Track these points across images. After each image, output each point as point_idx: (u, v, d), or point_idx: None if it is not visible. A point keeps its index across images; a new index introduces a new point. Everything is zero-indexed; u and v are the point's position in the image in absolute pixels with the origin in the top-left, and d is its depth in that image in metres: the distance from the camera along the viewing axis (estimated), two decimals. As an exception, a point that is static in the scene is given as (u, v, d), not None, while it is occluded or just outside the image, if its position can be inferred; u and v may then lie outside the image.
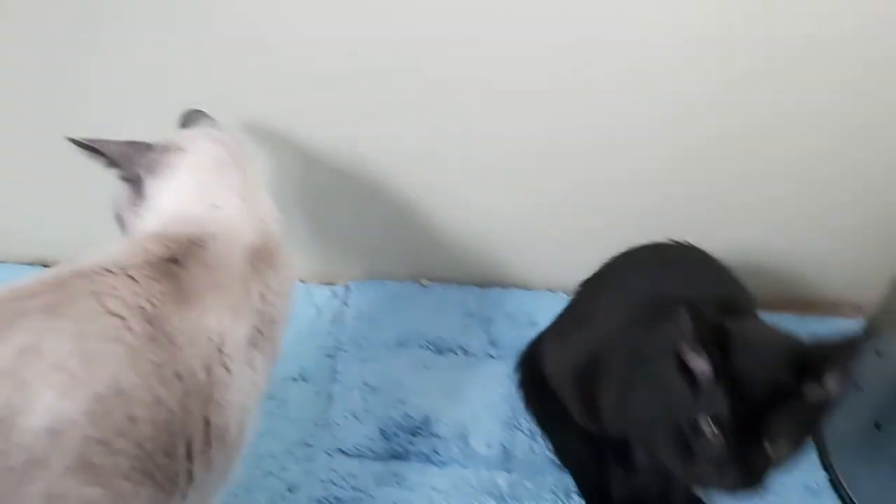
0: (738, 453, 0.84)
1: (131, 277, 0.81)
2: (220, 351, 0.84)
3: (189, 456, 0.81)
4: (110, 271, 0.81)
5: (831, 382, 0.84)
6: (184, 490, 0.82)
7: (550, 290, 1.51)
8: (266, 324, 0.91)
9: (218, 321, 0.85)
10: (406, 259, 1.52)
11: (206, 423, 0.83)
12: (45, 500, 0.70)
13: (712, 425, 0.84)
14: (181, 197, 0.95)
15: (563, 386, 1.22)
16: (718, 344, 0.85)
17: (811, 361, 0.84)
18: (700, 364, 0.86)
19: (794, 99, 1.26)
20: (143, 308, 0.80)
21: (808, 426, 0.86)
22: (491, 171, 1.38)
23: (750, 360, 0.85)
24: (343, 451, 1.24)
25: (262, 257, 0.93)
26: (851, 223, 1.42)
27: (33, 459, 0.69)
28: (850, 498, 1.20)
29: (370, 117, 1.30)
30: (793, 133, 1.30)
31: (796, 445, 0.86)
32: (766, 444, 0.83)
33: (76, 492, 0.72)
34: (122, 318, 0.78)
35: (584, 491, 1.20)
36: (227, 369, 0.84)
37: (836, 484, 1.23)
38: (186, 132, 1.05)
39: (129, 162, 0.96)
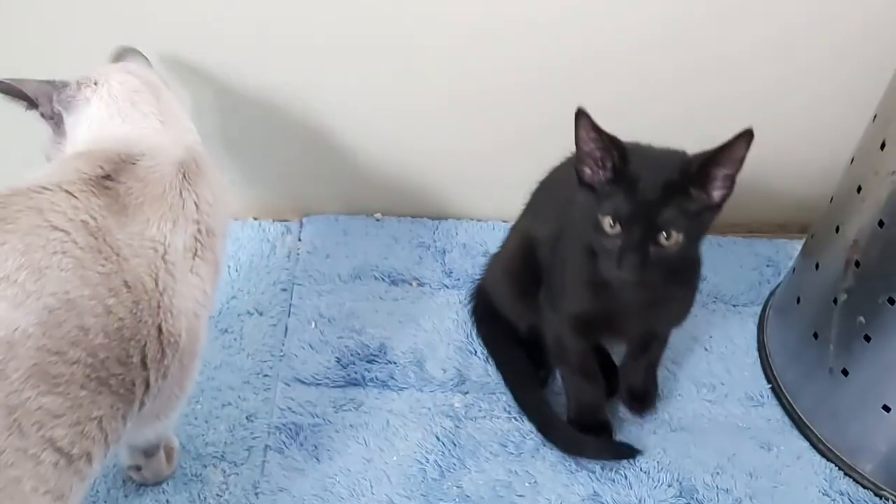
0: (634, 243, 0.95)
1: (69, 193, 0.83)
2: (164, 259, 0.87)
3: (144, 364, 0.84)
4: (47, 188, 0.82)
5: (714, 189, 0.96)
6: (141, 398, 0.85)
7: (504, 220, 1.53)
8: (204, 234, 0.93)
9: (159, 231, 0.87)
10: (359, 194, 1.52)
11: (159, 330, 0.85)
12: (5, 410, 0.72)
13: (611, 221, 0.95)
14: (100, 124, 0.97)
15: (497, 287, 1.29)
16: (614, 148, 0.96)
17: (698, 168, 0.95)
18: (597, 173, 0.98)
19: (737, 25, 1.28)
20: (85, 222, 0.82)
21: (697, 222, 0.97)
22: (443, 106, 1.38)
23: (642, 165, 0.96)
24: (301, 381, 1.26)
25: (191, 170, 0.94)
26: (796, 147, 1.46)
27: None
28: (792, 406, 1.26)
29: (319, 52, 1.30)
30: (734, 57, 1.33)
31: (687, 238, 0.96)
32: (661, 236, 0.95)
33: (35, 402, 0.74)
34: (66, 231, 0.80)
35: (523, 407, 1.24)
36: (173, 276, 0.87)
37: (778, 393, 1.28)
38: (100, 67, 1.05)
39: (48, 99, 0.97)
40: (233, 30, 1.27)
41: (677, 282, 1.07)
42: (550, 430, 1.21)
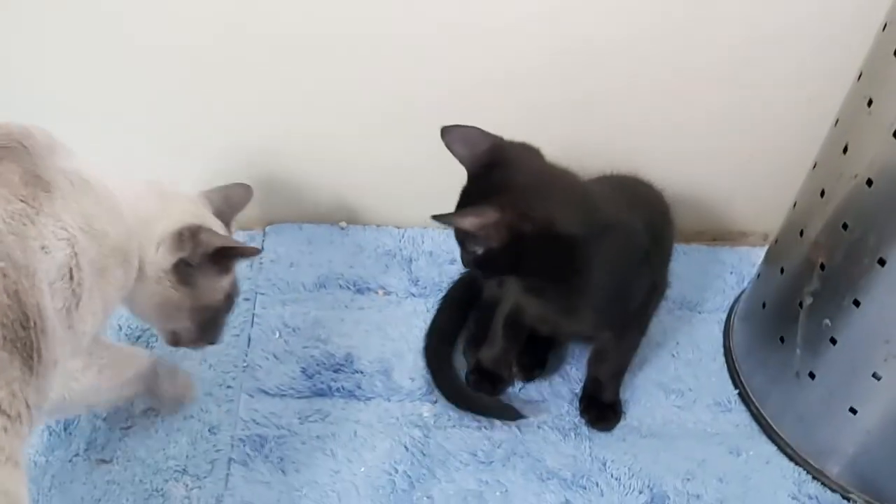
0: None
1: None
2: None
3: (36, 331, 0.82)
4: None
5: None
6: (37, 367, 0.82)
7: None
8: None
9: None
10: (323, 204, 1.50)
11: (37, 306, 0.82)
12: None
13: None
14: None
15: None
16: None
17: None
18: None
19: (699, 37, 1.30)
20: None
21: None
22: (408, 112, 1.37)
23: None
24: (265, 392, 1.23)
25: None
26: (755, 157, 1.48)
27: None
28: (760, 411, 1.26)
29: (281, 57, 1.28)
30: (696, 68, 1.34)
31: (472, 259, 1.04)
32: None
33: None
34: None
35: (430, 367, 1.28)
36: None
37: (745, 399, 1.29)
38: None
39: None
40: (194, 39, 1.25)
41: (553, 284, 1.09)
42: (447, 386, 1.26)
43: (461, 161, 1.05)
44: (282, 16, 1.24)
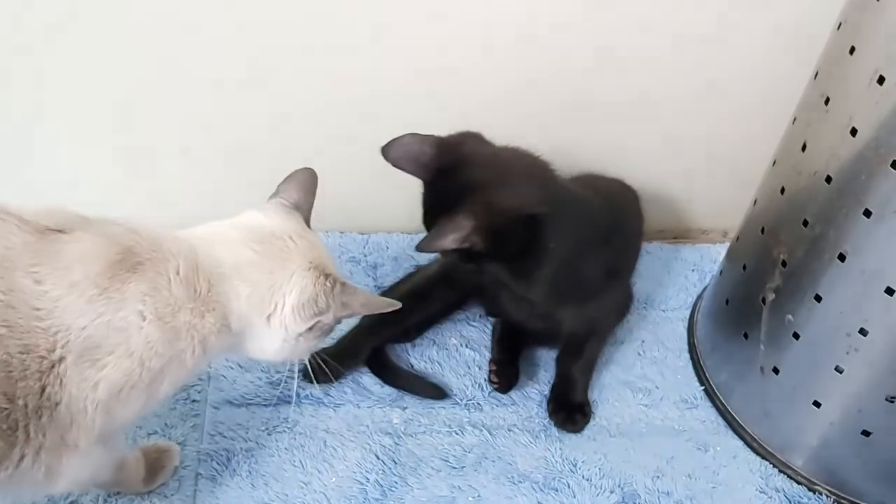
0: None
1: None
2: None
3: (26, 413, 0.78)
4: None
5: None
6: (22, 448, 0.79)
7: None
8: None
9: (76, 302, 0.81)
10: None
11: (42, 390, 0.79)
12: None
13: None
14: None
15: None
16: None
17: None
18: None
19: (656, 34, 1.31)
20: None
21: None
22: (369, 120, 1.36)
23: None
24: (230, 402, 1.21)
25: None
26: (714, 156, 1.50)
27: None
28: (725, 406, 1.28)
29: (239, 56, 1.26)
30: (653, 67, 1.35)
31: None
32: None
33: None
34: None
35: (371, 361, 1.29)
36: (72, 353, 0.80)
37: (711, 395, 1.30)
38: None
39: None
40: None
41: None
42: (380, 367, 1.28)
43: (413, 174, 1.05)
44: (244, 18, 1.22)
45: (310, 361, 1.04)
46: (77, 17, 1.20)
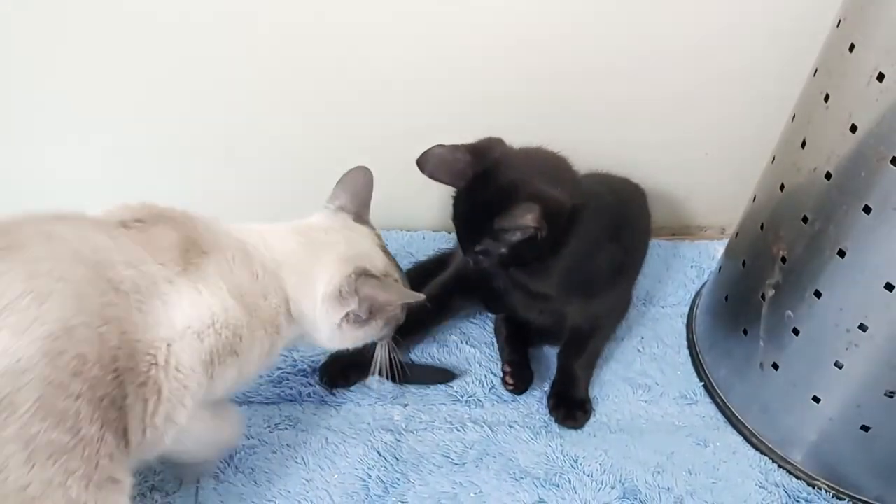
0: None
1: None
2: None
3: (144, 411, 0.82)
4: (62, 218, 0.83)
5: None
6: (133, 445, 0.83)
7: (433, 230, 1.53)
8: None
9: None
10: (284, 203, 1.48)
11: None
12: (21, 444, 0.70)
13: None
14: None
15: None
16: None
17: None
18: None
19: (655, 31, 1.31)
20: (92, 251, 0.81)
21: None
22: (369, 115, 1.36)
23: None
24: (233, 400, 1.19)
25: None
26: (713, 153, 1.50)
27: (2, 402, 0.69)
28: (725, 402, 1.28)
29: (225, 54, 1.25)
30: (652, 64, 1.36)
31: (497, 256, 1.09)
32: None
33: (45, 437, 0.71)
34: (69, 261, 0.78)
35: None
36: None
37: (710, 391, 1.31)
38: None
39: None
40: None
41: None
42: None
43: (450, 184, 1.08)
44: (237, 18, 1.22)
45: (389, 360, 1.14)
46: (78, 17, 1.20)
